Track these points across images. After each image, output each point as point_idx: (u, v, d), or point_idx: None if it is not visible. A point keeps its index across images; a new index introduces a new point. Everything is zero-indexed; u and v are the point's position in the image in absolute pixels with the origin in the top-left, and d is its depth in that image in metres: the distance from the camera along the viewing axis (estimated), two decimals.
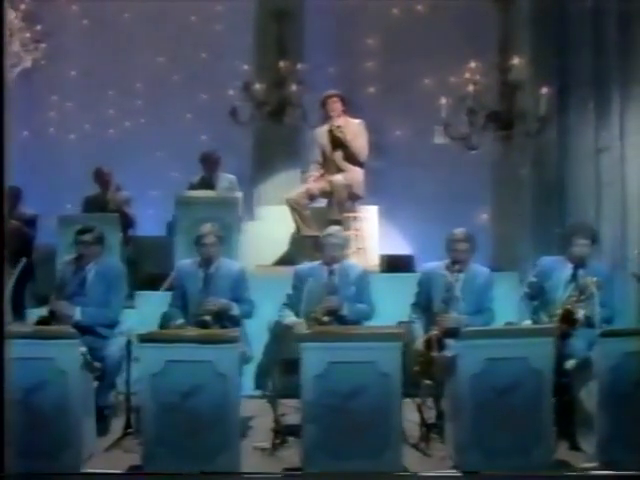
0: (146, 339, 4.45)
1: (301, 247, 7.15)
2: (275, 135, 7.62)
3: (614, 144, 6.07)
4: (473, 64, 6.13)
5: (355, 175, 6.62)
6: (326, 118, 6.87)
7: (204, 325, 5.20)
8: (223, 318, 5.34)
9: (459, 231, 5.34)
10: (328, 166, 6.75)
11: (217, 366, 4.37)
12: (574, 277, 5.24)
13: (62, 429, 4.46)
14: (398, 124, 7.73)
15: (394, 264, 6.22)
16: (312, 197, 6.72)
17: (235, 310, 5.38)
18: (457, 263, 5.31)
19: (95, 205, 7.13)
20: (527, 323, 5.31)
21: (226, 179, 7.15)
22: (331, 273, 5.41)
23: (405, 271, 6.27)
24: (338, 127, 6.63)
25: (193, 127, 9.00)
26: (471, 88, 6.01)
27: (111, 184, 7.35)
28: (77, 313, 5.24)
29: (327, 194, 6.70)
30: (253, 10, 8.27)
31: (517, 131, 6.06)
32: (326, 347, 4.39)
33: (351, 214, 6.65)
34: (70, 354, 4.50)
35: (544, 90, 5.86)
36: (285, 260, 7.18)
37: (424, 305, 5.49)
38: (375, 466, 4.35)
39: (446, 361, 4.65)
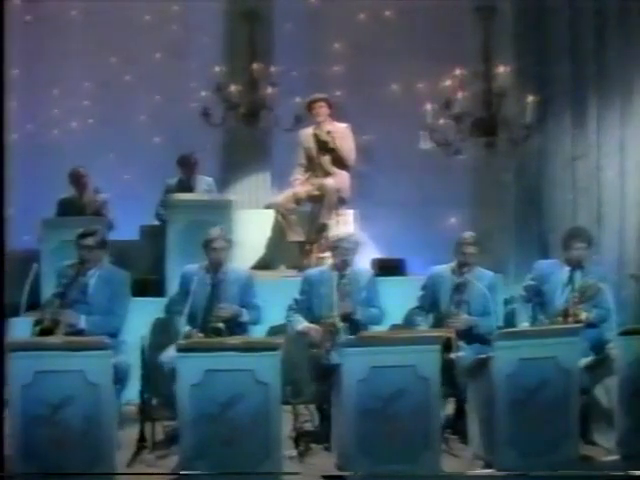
0: (185, 348, 4.30)
1: (279, 251, 7.09)
2: (245, 138, 7.49)
3: (590, 152, 6.34)
4: (458, 71, 6.23)
5: (343, 179, 6.61)
6: (311, 122, 6.82)
7: (217, 332, 5.07)
8: (233, 325, 5.23)
9: (468, 235, 5.44)
10: (314, 169, 6.69)
11: (258, 374, 4.28)
12: (571, 280, 5.43)
13: (92, 446, 4.25)
14: (364, 127, 7.74)
15: (386, 268, 6.24)
16: (299, 201, 6.65)
17: (245, 317, 5.28)
18: (465, 266, 5.41)
19: (71, 208, 6.81)
20: (525, 325, 5.47)
21: (204, 182, 6.99)
22: (342, 278, 5.38)
23: (397, 274, 6.31)
24: (328, 132, 6.59)
25: (147, 129, 8.73)
26: (460, 95, 6.11)
27: (88, 186, 7.03)
28: (82, 322, 5.01)
29: (314, 198, 6.64)
30: (212, 10, 8.12)
31: (501, 138, 6.21)
32: (369, 352, 4.38)
33: (337, 218, 6.63)
34: (102, 366, 4.30)
35: (530, 98, 6.04)
36: (261, 265, 7.07)
37: (428, 308, 5.57)
38: (414, 469, 4.38)
39: (476, 363, 4.72)
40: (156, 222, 7.09)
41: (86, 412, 4.24)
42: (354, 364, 4.37)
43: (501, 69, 6.17)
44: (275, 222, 7.08)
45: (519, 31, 6.51)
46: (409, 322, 5.73)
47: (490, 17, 6.37)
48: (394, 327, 5.82)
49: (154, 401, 5.03)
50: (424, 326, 5.50)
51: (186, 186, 6.86)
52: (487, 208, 6.77)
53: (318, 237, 6.58)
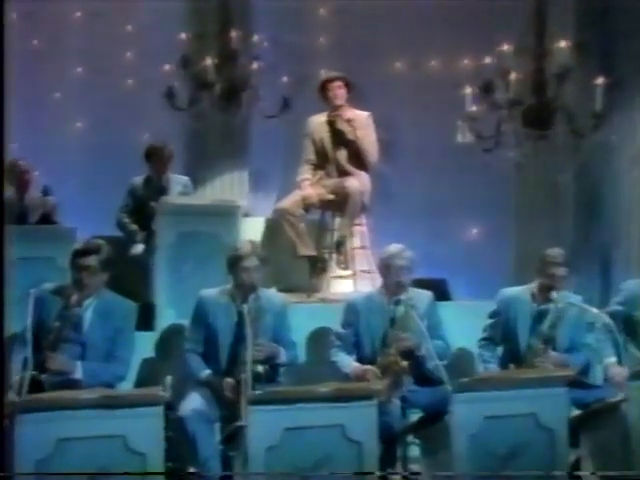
0: (258, 401, 4.16)
1: (267, 270, 6.97)
2: (217, 126, 7.42)
3: None
4: (506, 47, 6.34)
5: (365, 180, 6.57)
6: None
7: (256, 378, 4.91)
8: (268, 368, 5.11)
9: (557, 252, 5.50)
10: (327, 168, 6.63)
11: (349, 431, 4.21)
12: None
13: None
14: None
15: None
16: (308, 207, 6.57)
17: (282, 357, 5.16)
18: (550, 290, 5.47)
19: (8, 213, 6.42)
20: (611, 361, 5.56)
21: (179, 182, 6.78)
22: (397, 304, 5.36)
23: (439, 299, 6.30)
24: (348, 120, 6.54)
25: (64, 111, 8.45)
26: (513, 76, 6.21)
27: (31, 185, 6.72)
28: (78, 370, 4.76)
29: (328, 203, 6.58)
30: None
31: (558, 130, 6.35)
32: (481, 398, 4.38)
33: (356, 228, 6.60)
34: (151, 428, 4.08)
35: (600, 80, 6.17)
36: None
37: (498, 341, 5.61)
38: None
39: (599, 408, 4.83)
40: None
41: None
42: (464, 415, 4.36)
43: (562, 44, 6.30)
44: (266, 233, 7.01)
45: (581, 5, 6.69)
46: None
47: None
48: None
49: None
50: (493, 364, 5.56)
51: (157, 187, 6.61)
52: (537, 215, 6.89)
53: (333, 252, 6.53)
